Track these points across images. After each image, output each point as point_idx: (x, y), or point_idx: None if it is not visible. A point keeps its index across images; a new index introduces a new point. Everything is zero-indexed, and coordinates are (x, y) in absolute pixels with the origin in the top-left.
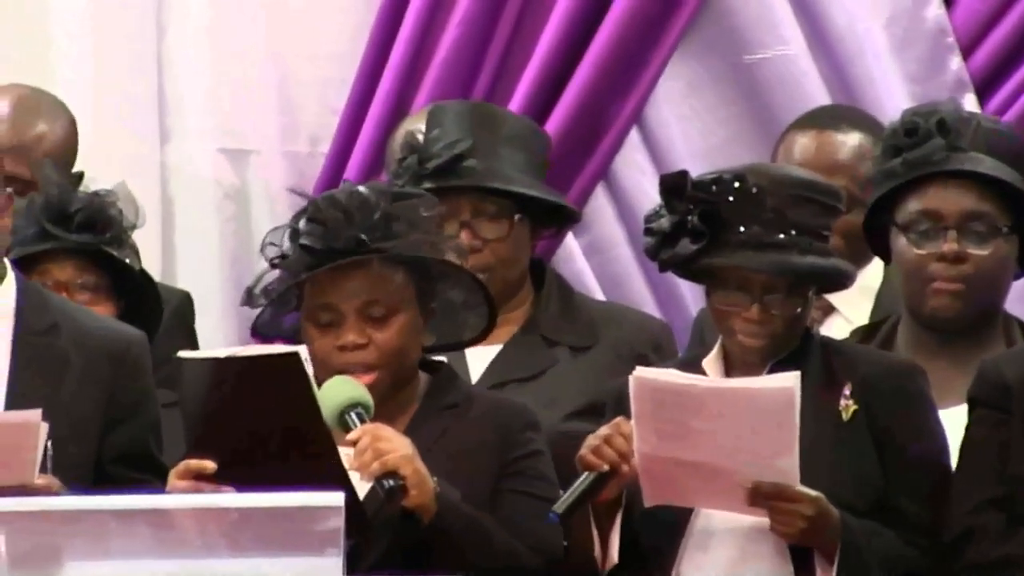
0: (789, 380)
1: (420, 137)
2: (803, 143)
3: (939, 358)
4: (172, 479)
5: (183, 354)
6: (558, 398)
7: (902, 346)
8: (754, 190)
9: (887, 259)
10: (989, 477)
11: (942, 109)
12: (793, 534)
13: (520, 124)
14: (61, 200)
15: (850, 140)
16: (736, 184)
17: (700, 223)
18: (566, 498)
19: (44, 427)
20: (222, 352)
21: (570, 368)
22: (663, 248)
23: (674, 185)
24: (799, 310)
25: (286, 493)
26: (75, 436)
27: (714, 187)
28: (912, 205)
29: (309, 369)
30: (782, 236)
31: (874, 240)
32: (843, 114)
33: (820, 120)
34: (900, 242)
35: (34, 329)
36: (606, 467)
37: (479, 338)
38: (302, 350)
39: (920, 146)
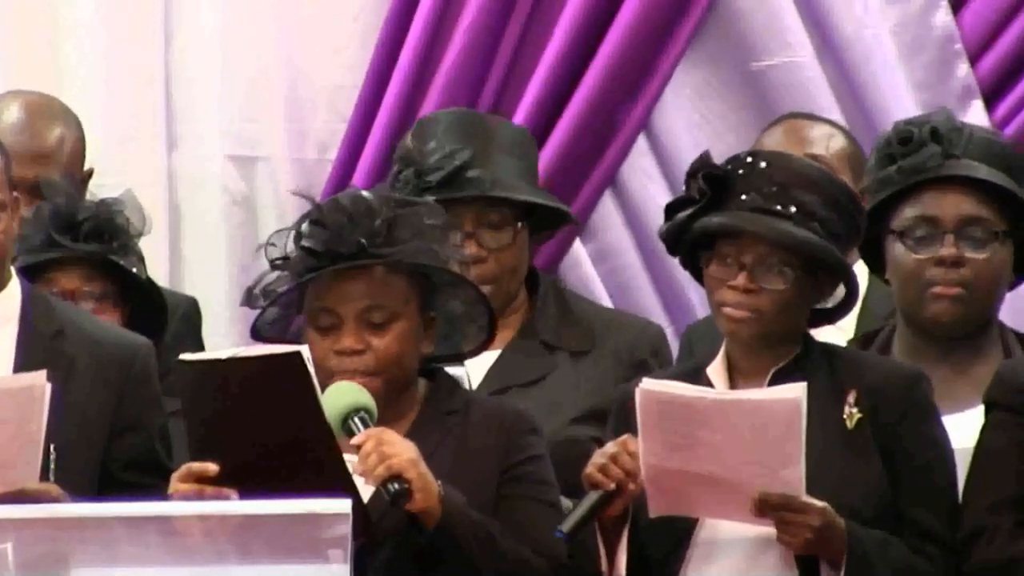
0: (796, 391)
1: (413, 149)
2: (771, 138)
3: (938, 366)
4: (174, 482)
5: (184, 357)
6: (562, 403)
7: (900, 355)
8: (763, 164)
9: (880, 270)
10: (1006, 478)
11: (934, 119)
12: (800, 544)
13: (512, 131)
14: (68, 209)
15: (817, 127)
16: (748, 159)
17: (704, 184)
18: (572, 516)
19: (48, 388)
20: (224, 353)
21: (571, 373)
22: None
23: (694, 167)
24: (784, 286)
25: (293, 500)
26: (81, 440)
27: (729, 166)
28: (909, 211)
29: (311, 369)
30: (780, 207)
31: (865, 251)
32: (808, 115)
33: (784, 119)
34: (897, 249)
35: (40, 333)
36: (612, 486)
37: (478, 350)
38: (304, 350)
39: (915, 153)
